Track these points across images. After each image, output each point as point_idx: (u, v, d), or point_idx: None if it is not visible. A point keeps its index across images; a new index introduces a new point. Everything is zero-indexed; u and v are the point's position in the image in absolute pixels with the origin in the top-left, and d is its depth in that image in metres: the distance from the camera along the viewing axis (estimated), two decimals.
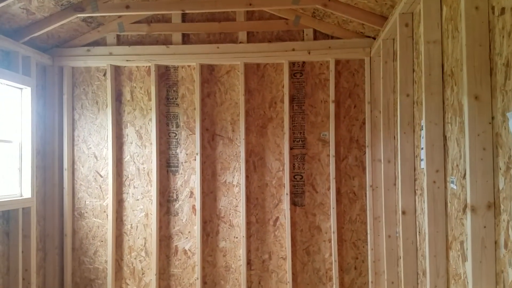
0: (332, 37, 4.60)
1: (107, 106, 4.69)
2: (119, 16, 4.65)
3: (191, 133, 4.69)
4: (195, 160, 4.63)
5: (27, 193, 4.24)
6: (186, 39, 4.73)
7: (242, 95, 4.59)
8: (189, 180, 4.68)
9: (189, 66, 4.71)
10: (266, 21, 4.68)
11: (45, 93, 4.67)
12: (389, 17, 3.63)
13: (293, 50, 4.57)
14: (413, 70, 3.25)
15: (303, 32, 4.63)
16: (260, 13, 4.70)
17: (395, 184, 3.81)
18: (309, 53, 4.55)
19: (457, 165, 2.34)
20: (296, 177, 4.59)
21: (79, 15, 4.09)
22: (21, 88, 4.26)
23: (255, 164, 4.63)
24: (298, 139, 4.59)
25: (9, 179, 4.19)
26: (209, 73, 4.71)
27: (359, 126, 4.53)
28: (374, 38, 4.45)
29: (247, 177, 4.60)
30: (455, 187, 2.36)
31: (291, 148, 4.58)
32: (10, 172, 4.20)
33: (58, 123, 4.68)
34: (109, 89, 4.66)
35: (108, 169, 4.67)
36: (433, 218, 2.55)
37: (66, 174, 4.67)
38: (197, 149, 4.60)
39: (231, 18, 4.71)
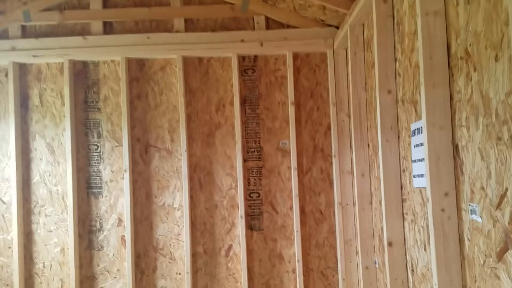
0: (288, 26, 3.83)
1: (9, 114, 3.67)
2: (24, 3, 3.67)
3: (117, 144, 3.76)
4: (123, 178, 3.71)
5: None
6: (108, 29, 3.80)
7: (182, 96, 3.73)
8: (116, 204, 3.74)
9: (112, 61, 3.79)
10: (207, 6, 3.84)
11: None
12: None
13: (242, 41, 3.76)
14: (395, 59, 2.52)
15: (253, 20, 3.84)
16: None
17: (371, 203, 3.07)
18: (261, 45, 3.76)
19: (482, 187, 1.60)
20: (252, 195, 3.76)
21: None
22: None
23: (201, 181, 3.77)
24: (253, 149, 3.78)
25: None
26: (138, 70, 3.81)
27: (323, 132, 3.77)
28: (337, 28, 3.73)
29: (191, 197, 3.72)
30: (479, 219, 1.62)
31: (245, 160, 3.76)
32: None
33: None
34: (12, 92, 3.65)
35: (11, 194, 3.65)
36: (443, 261, 1.80)
37: None
38: (126, 164, 3.68)
39: (164, 2, 3.84)
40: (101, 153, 3.75)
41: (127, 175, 3.67)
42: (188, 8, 3.83)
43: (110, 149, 3.76)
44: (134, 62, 3.79)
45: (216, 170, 3.77)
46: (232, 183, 3.77)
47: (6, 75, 3.72)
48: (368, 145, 3.08)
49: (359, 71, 3.14)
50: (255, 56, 3.84)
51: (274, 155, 3.78)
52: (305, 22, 3.83)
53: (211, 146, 3.78)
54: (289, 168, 3.75)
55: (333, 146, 3.70)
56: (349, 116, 3.61)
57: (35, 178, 3.72)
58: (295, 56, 3.81)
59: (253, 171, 3.77)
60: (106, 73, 3.78)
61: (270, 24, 3.86)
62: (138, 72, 3.80)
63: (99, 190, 3.74)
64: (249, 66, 3.84)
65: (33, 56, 3.65)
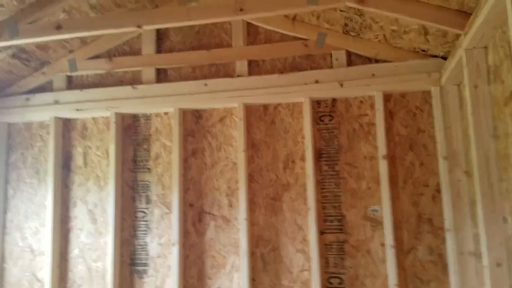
0: (377, 61, 3.02)
1: (48, 177, 3.24)
2: (70, 51, 3.33)
3: (167, 211, 3.12)
4: (171, 253, 3.02)
5: None
6: (162, 76, 3.30)
7: (243, 152, 3.03)
8: (163, 286, 3.03)
9: (166, 113, 3.24)
10: (275, 45, 3.19)
11: None
12: (479, 7, 2.02)
13: (317, 82, 3.02)
14: None
15: (331, 56, 3.10)
16: (267, 34, 3.23)
17: None
18: (341, 85, 2.98)
19: None
20: (331, 280, 2.84)
21: None
22: None
23: (264, 258, 2.95)
24: (331, 218, 2.91)
25: None
26: (194, 122, 3.20)
27: (430, 195, 2.79)
28: (444, 58, 2.84)
29: (252, 280, 2.91)
30: None
31: (321, 233, 2.89)
32: None
33: None
34: (52, 151, 3.23)
35: (46, 270, 3.13)
36: None
37: None
38: (175, 236, 3.00)
39: (226, 43, 3.26)
40: (148, 222, 3.13)
41: (175, 250, 2.98)
42: (252, 48, 3.21)
43: (159, 217, 3.12)
44: (190, 113, 3.21)
45: (283, 245, 2.94)
46: (304, 262, 2.89)
47: (49, 133, 3.34)
48: (506, 218, 2.05)
49: (484, 111, 2.19)
50: (333, 100, 3.06)
51: (361, 226, 2.86)
52: (399, 54, 2.99)
53: (278, 213, 2.98)
54: (383, 245, 2.79)
55: (446, 216, 2.69)
56: (468, 174, 2.61)
57: (74, 251, 3.18)
58: (387, 97, 2.96)
59: (332, 248, 2.87)
60: (158, 128, 3.24)
61: (352, 59, 3.08)
62: (194, 125, 3.20)
63: (145, 268, 3.08)
64: (325, 112, 3.06)
65: (77, 110, 3.23)
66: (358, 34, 3.01)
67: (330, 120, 3.05)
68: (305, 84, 3.03)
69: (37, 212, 3.25)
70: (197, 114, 3.21)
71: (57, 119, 3.27)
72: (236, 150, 3.09)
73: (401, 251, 2.77)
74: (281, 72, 3.13)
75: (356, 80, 2.98)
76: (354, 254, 2.84)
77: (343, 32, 3.05)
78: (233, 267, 2.97)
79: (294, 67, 3.15)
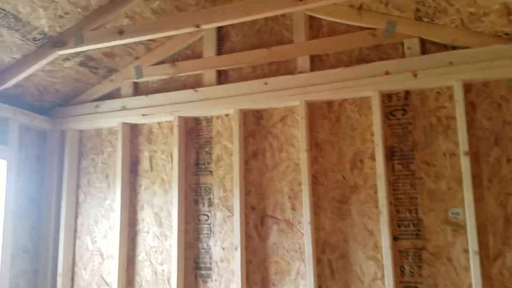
0: (454, 48, 2.72)
1: (116, 181, 3.30)
2: (136, 58, 3.40)
3: (229, 214, 3.02)
4: (234, 258, 2.91)
5: None
6: (223, 78, 3.24)
7: (305, 152, 2.86)
8: None
9: (227, 115, 3.17)
10: (340, 37, 3.00)
11: (43, 168, 3.48)
12: None
13: (387, 73, 2.77)
14: None
15: (403, 45, 2.84)
16: (330, 26, 3.05)
17: None
18: (415, 76, 2.71)
19: None
20: None
21: (60, 52, 2.88)
22: None
23: (332, 265, 2.74)
24: (407, 222, 2.63)
25: None
26: (255, 123, 3.10)
27: None
28: None
29: None
30: None
31: (395, 238, 2.62)
32: None
33: (56, 208, 3.40)
34: (120, 156, 3.29)
35: (113, 273, 3.16)
36: None
37: (60, 282, 3.26)
38: (237, 240, 2.89)
39: (287, 40, 3.14)
40: (211, 225, 3.06)
41: (238, 254, 2.87)
42: (315, 42, 3.05)
43: (222, 220, 3.04)
44: (250, 114, 3.11)
45: (353, 251, 2.70)
46: (376, 271, 2.63)
47: (117, 138, 3.40)
48: None
49: None
50: (406, 92, 2.79)
51: (441, 230, 2.55)
52: (479, 39, 2.67)
53: (345, 217, 2.76)
54: (466, 251, 2.45)
55: None
56: None
57: (141, 255, 3.19)
58: (467, 87, 2.64)
59: (408, 255, 2.58)
60: (219, 130, 3.18)
61: (426, 47, 2.81)
62: (255, 126, 3.09)
63: (208, 272, 3.00)
64: (397, 106, 2.80)
65: (143, 115, 3.27)
66: (432, 20, 2.73)
67: (403, 115, 2.79)
68: (374, 76, 2.80)
69: (106, 215, 3.32)
70: (258, 115, 3.10)
71: (125, 124, 3.34)
72: (298, 151, 2.93)
73: (487, 258, 2.41)
74: (346, 65, 2.93)
75: (432, 70, 2.69)
76: (432, 261, 2.53)
77: (415, 19, 2.79)
78: (298, 274, 2.79)
79: (361, 59, 2.93)
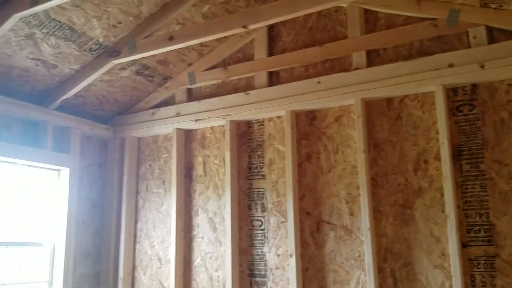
0: None
1: (172, 186, 3.31)
2: (189, 64, 3.41)
3: (283, 220, 2.91)
4: (289, 265, 2.79)
5: None
6: (274, 79, 3.16)
7: (363, 153, 2.69)
8: None
9: (279, 117, 3.08)
10: (398, 29, 2.81)
11: (105, 175, 3.58)
12: None
13: (451, 66, 2.55)
14: None
15: (467, 35, 2.61)
16: (387, 19, 2.87)
17: None
18: (482, 67, 2.46)
19: None
20: None
21: (115, 61, 2.95)
22: (58, 170, 3.24)
23: (395, 274, 2.53)
24: (477, 227, 2.38)
25: None
26: (308, 124, 2.98)
27: None
28: None
29: None
30: None
31: (464, 245, 2.37)
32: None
33: (117, 213, 3.48)
34: (174, 161, 3.30)
35: (170, 278, 3.16)
36: None
37: (121, 286, 3.32)
38: (292, 247, 2.77)
39: (341, 36, 2.99)
40: (265, 231, 2.96)
41: (293, 261, 2.75)
42: (371, 36, 2.87)
43: (276, 226, 2.94)
44: (303, 115, 2.99)
45: (417, 260, 2.48)
46: (444, 280, 2.39)
47: (172, 144, 3.42)
48: None
49: None
50: (473, 85, 2.55)
51: None
52: None
53: (409, 223, 2.55)
54: None
55: None
56: None
57: (196, 260, 3.17)
58: None
59: (479, 263, 2.32)
60: (271, 133, 3.09)
61: (494, 36, 2.55)
62: (308, 127, 2.97)
63: (263, 279, 2.90)
64: (464, 101, 2.56)
65: (196, 120, 3.26)
66: (500, 6, 2.47)
67: (470, 110, 2.54)
68: (437, 69, 2.58)
69: (164, 221, 3.34)
70: (311, 115, 2.97)
71: (179, 130, 3.35)
72: (355, 152, 2.76)
73: None
74: (406, 59, 2.73)
75: (501, 60, 2.43)
76: (507, 271, 2.25)
77: (480, 5, 2.54)
78: (358, 283, 2.61)
79: (422, 52, 2.72)
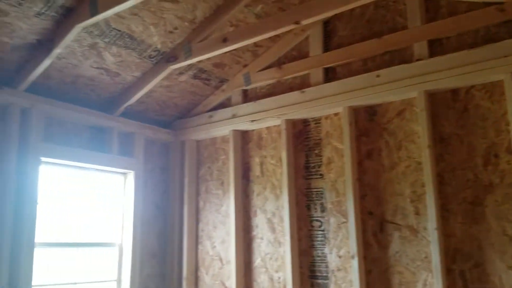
0: None
1: (230, 187, 3.33)
2: (244, 65, 3.43)
3: (344, 220, 2.82)
4: (352, 267, 2.70)
5: None
6: (330, 75, 3.08)
7: (427, 148, 2.54)
8: None
9: (336, 114, 3.00)
10: (462, 16, 2.63)
11: (167, 177, 3.68)
12: None
13: None
14: None
15: None
16: (450, 6, 2.70)
17: None
18: None
19: None
20: None
21: (173, 67, 3.02)
22: (124, 173, 3.37)
23: (465, 276, 2.36)
24: None
25: None
26: (368, 120, 2.87)
27: None
28: None
29: None
30: None
31: None
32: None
33: (179, 215, 3.56)
34: (232, 163, 3.32)
35: (231, 279, 3.18)
36: None
37: (185, 286, 3.39)
38: (354, 248, 2.68)
39: (400, 26, 2.86)
40: (325, 232, 2.89)
41: (355, 263, 2.65)
42: (433, 25, 2.71)
43: (336, 227, 2.85)
44: (362, 111, 2.89)
45: (489, 260, 2.30)
46: None
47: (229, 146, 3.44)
48: None
49: None
50: None
51: None
52: None
53: (479, 221, 2.37)
54: None
55: None
56: None
57: (256, 261, 3.16)
58: None
59: None
60: (329, 130, 3.02)
61: None
62: (367, 124, 2.86)
63: (325, 281, 2.83)
64: None
65: (252, 121, 3.26)
66: None
67: None
68: (505, 57, 2.39)
69: (223, 221, 3.37)
70: (370, 111, 2.86)
71: (235, 132, 3.38)
72: (419, 148, 2.62)
73: None
74: (471, 47, 2.55)
75: None
76: None
77: None
78: (425, 285, 2.47)
79: (489, 39, 2.53)
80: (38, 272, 2.76)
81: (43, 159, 2.80)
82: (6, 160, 2.64)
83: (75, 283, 2.99)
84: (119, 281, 3.20)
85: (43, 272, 2.84)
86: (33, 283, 2.66)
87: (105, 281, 3.18)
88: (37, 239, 2.74)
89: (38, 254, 2.77)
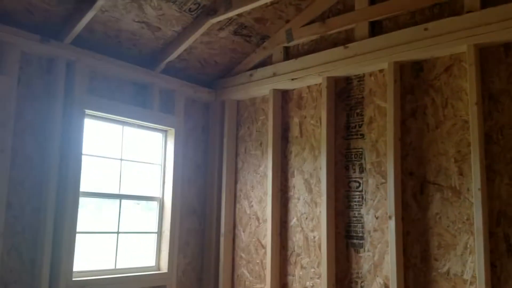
0: None
1: (268, 148, 3.31)
2: (287, 21, 3.34)
3: (383, 181, 2.73)
4: (389, 228, 2.62)
5: (164, 266, 3.24)
6: (376, 29, 2.94)
7: (475, 105, 2.38)
8: (381, 263, 2.66)
9: (381, 71, 2.87)
10: None
11: (207, 137, 3.72)
12: None
13: None
14: None
15: None
16: None
17: None
18: None
19: None
20: None
21: (212, 20, 3.00)
22: (164, 130, 3.43)
23: (509, 240, 2.23)
24: None
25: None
26: (413, 77, 2.72)
27: None
28: None
29: (492, 266, 2.23)
30: None
31: None
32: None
33: (219, 174, 3.60)
34: (271, 123, 3.29)
35: (267, 237, 3.19)
36: None
37: (223, 242, 3.45)
38: (392, 208, 2.59)
39: None
40: (363, 193, 2.81)
41: (392, 224, 2.57)
42: None
43: (374, 187, 2.77)
44: (408, 67, 2.75)
45: None
46: None
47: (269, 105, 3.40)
48: None
49: None
50: None
51: None
52: None
53: None
54: None
55: None
56: None
57: (292, 220, 3.15)
58: None
59: None
60: (372, 88, 2.90)
61: None
62: (413, 80, 2.72)
63: (361, 241, 2.77)
64: None
65: (291, 79, 3.19)
66: None
67: None
68: None
69: (261, 182, 3.37)
70: (417, 67, 2.71)
71: (275, 91, 3.32)
72: (466, 105, 2.46)
73: None
74: None
75: None
76: None
77: None
78: (466, 248, 2.36)
79: None
80: (82, 221, 2.90)
81: (87, 111, 2.90)
82: (53, 111, 2.75)
83: (119, 232, 3.12)
84: (159, 233, 3.31)
85: (87, 222, 2.98)
86: (77, 229, 2.79)
87: (147, 232, 3.30)
88: (82, 188, 2.87)
89: (82, 203, 2.89)
